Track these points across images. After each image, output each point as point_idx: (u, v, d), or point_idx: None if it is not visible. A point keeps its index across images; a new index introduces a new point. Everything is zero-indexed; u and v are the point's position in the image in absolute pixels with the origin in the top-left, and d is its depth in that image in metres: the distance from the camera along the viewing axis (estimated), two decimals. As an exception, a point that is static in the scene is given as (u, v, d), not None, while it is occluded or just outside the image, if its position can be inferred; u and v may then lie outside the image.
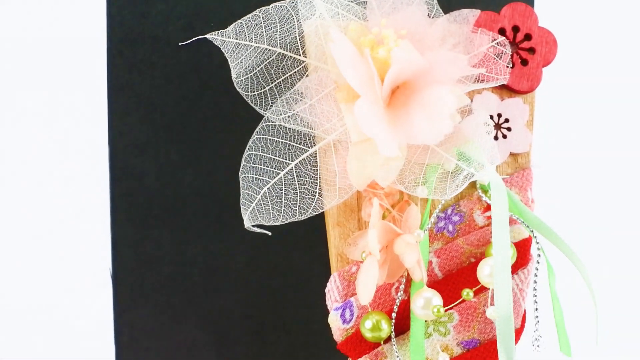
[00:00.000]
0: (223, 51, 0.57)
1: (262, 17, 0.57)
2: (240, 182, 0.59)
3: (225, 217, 0.74)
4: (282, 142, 0.59)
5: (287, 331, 0.76)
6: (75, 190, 0.75)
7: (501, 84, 0.58)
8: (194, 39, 0.60)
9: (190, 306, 0.76)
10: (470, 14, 0.60)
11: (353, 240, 0.58)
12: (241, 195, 0.59)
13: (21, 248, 0.76)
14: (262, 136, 0.59)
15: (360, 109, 0.54)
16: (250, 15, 0.57)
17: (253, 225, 0.59)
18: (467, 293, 0.55)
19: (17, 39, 0.71)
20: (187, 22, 0.70)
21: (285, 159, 0.58)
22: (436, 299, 0.54)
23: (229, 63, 0.57)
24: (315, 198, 0.57)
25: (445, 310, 0.56)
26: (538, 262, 0.57)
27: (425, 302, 0.54)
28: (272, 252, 0.75)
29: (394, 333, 0.57)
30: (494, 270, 0.50)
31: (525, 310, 0.58)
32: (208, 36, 0.56)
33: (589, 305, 0.55)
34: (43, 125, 0.72)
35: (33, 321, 0.84)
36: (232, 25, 0.56)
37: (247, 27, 0.57)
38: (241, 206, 0.59)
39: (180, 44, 0.66)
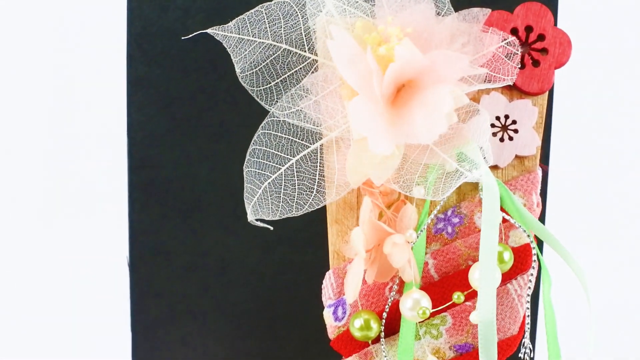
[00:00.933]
0: (225, 46, 0.57)
1: (265, 13, 0.57)
2: (244, 176, 0.59)
3: (240, 210, 0.74)
4: (285, 137, 0.59)
5: (300, 326, 0.76)
6: (94, 180, 0.77)
7: (508, 84, 0.57)
8: (195, 33, 0.61)
9: (204, 297, 0.76)
10: (481, 13, 0.58)
11: (350, 237, 0.57)
12: (245, 190, 0.59)
13: (41, 236, 0.78)
14: (266, 131, 0.59)
15: (356, 106, 0.53)
16: (252, 10, 0.57)
17: (256, 220, 0.59)
18: (458, 296, 0.54)
19: (40, 32, 0.73)
20: (206, 17, 0.71)
21: (287, 155, 0.58)
22: (424, 300, 0.53)
23: (232, 58, 0.58)
24: (313, 194, 0.57)
25: (435, 313, 0.55)
26: (533, 268, 0.55)
27: (414, 304, 0.53)
28: (287, 246, 0.75)
29: (383, 333, 0.56)
30: (479, 273, 0.49)
31: (525, 317, 0.57)
32: (209, 31, 0.56)
33: (584, 314, 0.54)
34: (64, 116, 0.74)
35: (51, 307, 0.86)
36: (233, 21, 0.57)
37: (249, 23, 0.57)
38: (245, 200, 0.59)
39: (182, 37, 0.67)
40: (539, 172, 0.59)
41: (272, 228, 0.59)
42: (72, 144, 0.76)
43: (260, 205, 0.59)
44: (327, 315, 0.58)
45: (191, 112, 0.73)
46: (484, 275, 0.49)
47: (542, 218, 0.75)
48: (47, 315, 0.84)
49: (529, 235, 0.54)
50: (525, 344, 0.53)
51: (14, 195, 0.65)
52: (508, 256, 0.55)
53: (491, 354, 0.49)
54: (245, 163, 0.59)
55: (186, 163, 0.74)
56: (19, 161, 0.77)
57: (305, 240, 0.75)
